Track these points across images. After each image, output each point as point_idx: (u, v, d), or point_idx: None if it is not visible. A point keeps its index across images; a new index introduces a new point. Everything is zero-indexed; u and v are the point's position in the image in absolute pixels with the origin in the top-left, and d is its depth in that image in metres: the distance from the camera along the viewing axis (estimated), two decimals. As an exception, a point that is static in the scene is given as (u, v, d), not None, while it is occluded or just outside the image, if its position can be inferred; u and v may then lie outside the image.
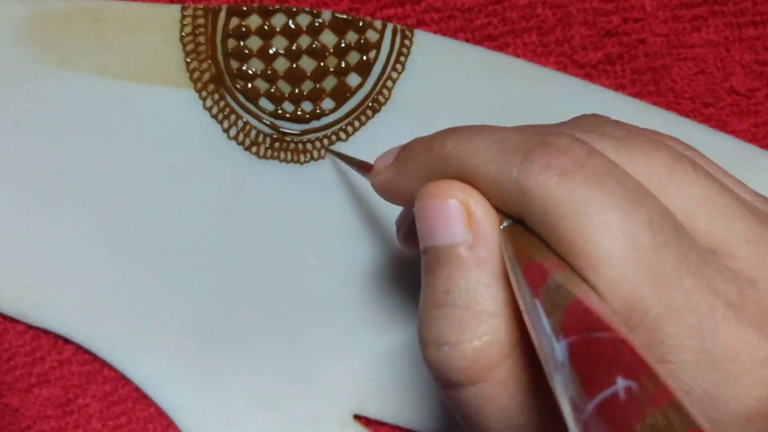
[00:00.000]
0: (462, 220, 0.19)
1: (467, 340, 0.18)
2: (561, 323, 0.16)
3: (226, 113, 0.29)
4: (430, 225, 0.20)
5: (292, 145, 0.29)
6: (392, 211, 0.29)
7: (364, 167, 0.26)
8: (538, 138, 0.18)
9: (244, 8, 0.28)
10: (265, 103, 0.29)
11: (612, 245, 0.17)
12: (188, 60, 0.28)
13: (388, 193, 0.23)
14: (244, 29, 0.28)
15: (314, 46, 0.28)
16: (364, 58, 0.28)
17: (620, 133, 0.20)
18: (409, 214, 0.26)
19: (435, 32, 0.29)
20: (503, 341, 0.18)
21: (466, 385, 0.19)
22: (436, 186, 0.20)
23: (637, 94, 0.30)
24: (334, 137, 0.29)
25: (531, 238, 0.18)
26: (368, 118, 0.29)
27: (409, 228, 0.25)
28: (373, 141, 0.29)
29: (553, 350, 0.16)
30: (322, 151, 0.29)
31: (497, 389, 0.19)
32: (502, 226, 0.19)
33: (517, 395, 0.19)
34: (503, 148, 0.19)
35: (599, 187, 0.17)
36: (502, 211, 0.19)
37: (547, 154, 0.18)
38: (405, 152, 0.22)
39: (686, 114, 0.30)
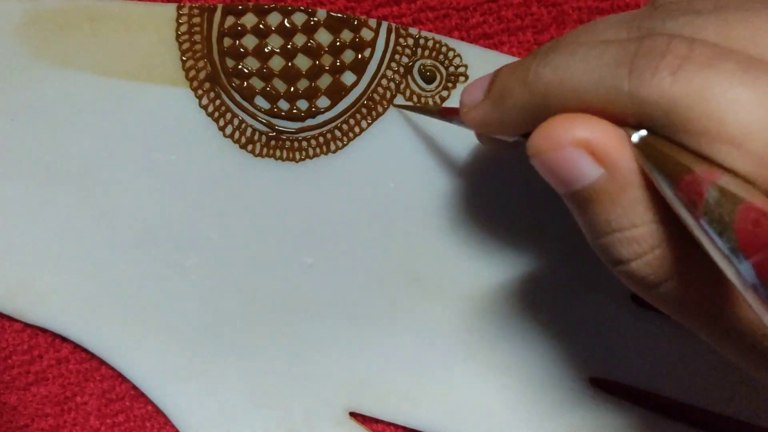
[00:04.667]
0: (587, 158, 0.19)
1: (648, 252, 0.19)
2: (736, 242, 0.16)
3: (221, 111, 0.29)
4: (560, 176, 0.20)
5: (288, 143, 0.29)
6: (391, 211, 0.29)
7: (442, 112, 0.26)
8: (635, 46, 0.18)
9: (240, 7, 0.28)
10: (261, 102, 0.29)
11: (748, 118, 0.17)
12: (184, 58, 0.28)
13: (485, 128, 0.23)
14: (239, 28, 0.28)
15: (309, 44, 0.28)
16: (359, 56, 0.29)
17: (709, 5, 0.20)
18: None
19: (430, 31, 0.29)
20: (678, 239, 0.19)
21: (660, 284, 0.20)
22: (545, 135, 0.19)
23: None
24: (329, 135, 0.29)
25: (666, 145, 0.18)
26: (363, 116, 0.29)
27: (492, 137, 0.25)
28: (369, 138, 0.29)
29: (738, 271, 0.16)
30: (318, 149, 0.29)
31: (689, 278, 0.19)
32: (634, 141, 0.19)
33: (702, 285, 0.19)
34: (605, 66, 0.19)
35: (713, 69, 0.17)
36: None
37: (652, 60, 0.18)
38: (497, 87, 0.22)
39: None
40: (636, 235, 0.19)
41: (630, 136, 0.19)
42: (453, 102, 0.29)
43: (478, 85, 0.23)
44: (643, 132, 0.19)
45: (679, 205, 0.17)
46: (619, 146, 0.19)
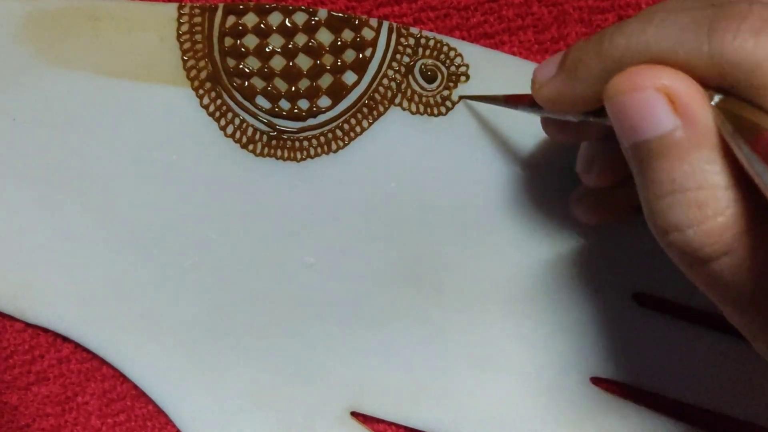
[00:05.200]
0: (667, 107, 0.19)
1: (711, 217, 0.18)
2: None
3: (222, 111, 0.29)
4: (633, 121, 0.19)
5: (289, 143, 0.29)
6: (392, 211, 0.29)
7: (509, 99, 0.26)
8: (714, 10, 0.18)
9: (241, 7, 0.28)
10: (262, 101, 0.29)
11: None
12: (185, 58, 0.28)
13: (558, 104, 0.22)
14: (240, 27, 0.28)
15: (311, 44, 0.28)
16: (360, 56, 0.29)
17: None
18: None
19: (431, 30, 0.29)
20: (744, 211, 0.18)
21: (715, 259, 0.19)
22: (627, 78, 0.19)
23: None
24: (330, 135, 0.29)
25: (746, 107, 0.18)
26: (364, 115, 0.29)
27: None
28: (370, 138, 0.29)
29: None
30: (319, 149, 0.29)
31: (746, 257, 0.19)
32: (713, 103, 0.19)
33: (758, 269, 0.19)
34: (683, 29, 0.19)
35: None
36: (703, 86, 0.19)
37: (732, 22, 0.18)
38: (571, 59, 0.21)
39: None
40: (701, 197, 0.18)
41: (710, 97, 0.19)
42: (461, 108, 0.29)
43: (551, 61, 0.22)
44: (722, 95, 0.19)
45: (756, 162, 0.17)
46: (701, 100, 0.19)
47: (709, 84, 0.19)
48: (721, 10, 0.18)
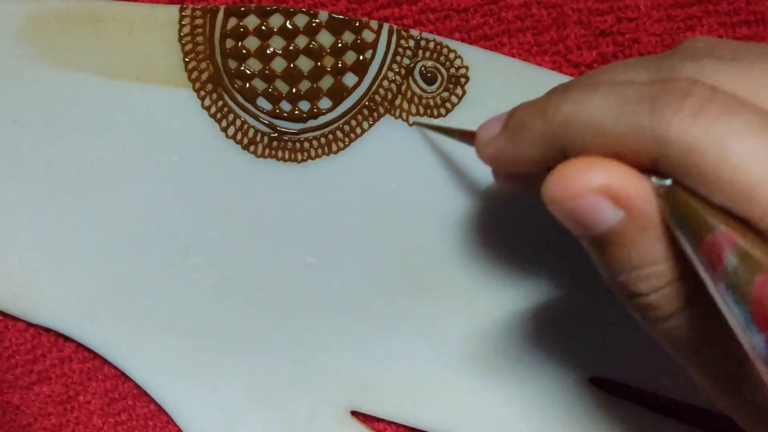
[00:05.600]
0: (608, 204, 0.19)
1: (664, 286, 0.20)
2: (751, 315, 0.16)
3: (224, 112, 0.29)
4: (578, 222, 0.20)
5: (290, 144, 0.29)
6: (393, 212, 0.29)
7: (463, 135, 0.26)
8: (657, 87, 0.19)
9: (242, 9, 0.28)
10: (263, 103, 0.29)
11: (762, 171, 0.17)
12: (186, 60, 0.29)
13: (499, 163, 0.23)
14: (241, 29, 0.28)
15: (311, 46, 0.29)
16: (361, 57, 0.29)
17: (729, 54, 0.20)
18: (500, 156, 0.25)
19: (431, 32, 0.29)
20: (688, 282, 0.20)
21: (673, 316, 0.20)
22: (564, 184, 0.19)
23: (632, 93, 0.30)
24: (331, 136, 0.29)
25: (687, 197, 0.18)
26: (365, 117, 0.29)
27: (508, 175, 0.25)
28: (371, 139, 0.29)
29: (752, 342, 0.16)
30: (320, 150, 0.29)
31: (694, 316, 0.20)
32: (658, 190, 0.19)
33: (712, 320, 0.20)
34: (625, 102, 0.19)
35: (733, 118, 0.18)
36: (638, 167, 0.19)
37: (674, 99, 0.18)
38: (515, 121, 0.22)
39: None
40: (655, 271, 0.20)
41: (651, 182, 0.19)
42: (460, 109, 0.29)
43: (496, 120, 0.23)
44: (667, 181, 0.19)
45: (700, 266, 0.17)
46: (639, 188, 0.19)
47: (647, 162, 0.19)
48: (664, 87, 0.18)
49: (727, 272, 0.16)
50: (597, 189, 0.19)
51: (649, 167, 0.19)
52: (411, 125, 0.29)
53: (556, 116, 0.20)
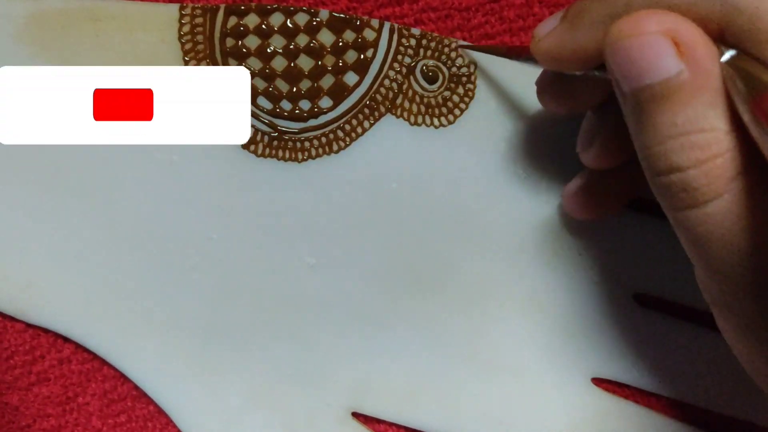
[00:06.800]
0: (672, 50, 0.19)
1: (711, 159, 0.19)
2: None
3: (224, 112, 0.29)
4: (637, 65, 0.19)
5: (290, 144, 0.29)
6: (393, 212, 0.29)
7: (510, 51, 0.25)
8: None
9: (242, 7, 0.28)
10: (264, 102, 0.29)
11: None
12: (186, 59, 0.28)
13: (558, 57, 0.22)
14: (242, 28, 0.28)
15: (312, 44, 0.28)
16: (362, 56, 0.29)
17: None
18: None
19: (432, 31, 0.29)
20: (738, 156, 0.19)
21: (710, 201, 0.19)
22: (631, 22, 0.19)
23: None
24: (331, 135, 0.29)
25: (750, 63, 0.18)
26: (365, 116, 0.29)
27: (555, 89, 0.25)
28: (371, 139, 0.29)
29: None
30: (320, 150, 0.29)
31: (730, 207, 0.19)
32: (724, 59, 0.18)
33: (746, 216, 0.19)
34: None
35: None
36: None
37: None
38: (575, 7, 0.21)
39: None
40: (702, 140, 0.19)
41: (720, 52, 0.19)
42: (465, 118, 0.29)
43: (553, 16, 0.22)
44: (731, 51, 0.19)
45: (751, 121, 0.17)
46: (705, 44, 0.18)
47: (714, 27, 0.19)
48: None
49: None
50: (664, 30, 0.18)
51: (714, 38, 0.19)
52: (454, 48, 0.28)
53: None
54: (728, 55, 0.19)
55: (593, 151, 0.25)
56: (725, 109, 0.19)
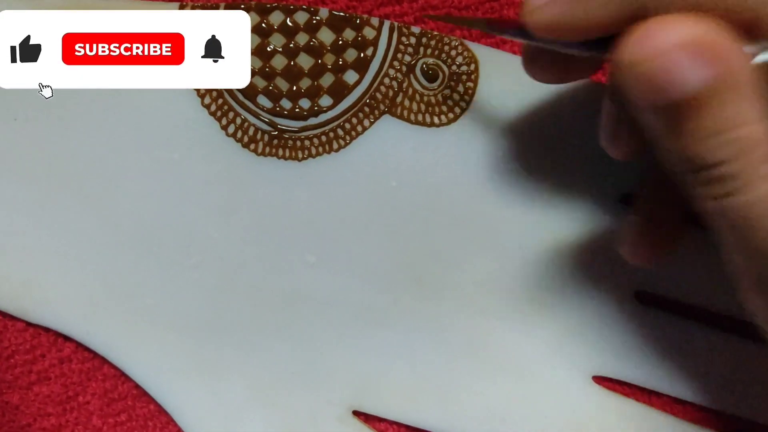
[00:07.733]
0: (693, 63, 0.17)
1: (749, 149, 0.18)
2: None
3: (224, 110, 0.29)
4: (657, 86, 0.18)
5: (290, 142, 0.29)
6: (394, 210, 0.29)
7: (491, 24, 0.24)
8: None
9: (242, 6, 0.28)
10: (263, 100, 0.29)
11: None
12: (186, 58, 0.28)
13: (553, 30, 0.20)
14: (241, 27, 0.28)
15: (312, 43, 0.28)
16: (362, 55, 0.29)
17: None
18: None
19: (432, 30, 0.29)
20: None
21: (744, 189, 0.18)
22: (644, 43, 0.17)
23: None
24: (332, 134, 0.29)
25: None
26: (366, 114, 0.29)
27: (546, 58, 0.23)
28: (371, 137, 0.29)
29: None
30: (320, 148, 0.29)
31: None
32: (758, 60, 0.18)
33: None
34: None
35: None
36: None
37: None
38: None
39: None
40: (740, 135, 0.18)
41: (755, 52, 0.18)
42: (466, 116, 0.29)
43: None
44: (764, 41, 0.18)
45: None
46: (728, 42, 0.17)
47: (746, 26, 0.18)
48: None
49: None
50: (682, 43, 0.17)
51: (741, 32, 0.18)
52: (422, 16, 0.27)
53: None
54: (759, 46, 0.18)
55: (623, 141, 0.24)
56: (758, 99, 0.18)
